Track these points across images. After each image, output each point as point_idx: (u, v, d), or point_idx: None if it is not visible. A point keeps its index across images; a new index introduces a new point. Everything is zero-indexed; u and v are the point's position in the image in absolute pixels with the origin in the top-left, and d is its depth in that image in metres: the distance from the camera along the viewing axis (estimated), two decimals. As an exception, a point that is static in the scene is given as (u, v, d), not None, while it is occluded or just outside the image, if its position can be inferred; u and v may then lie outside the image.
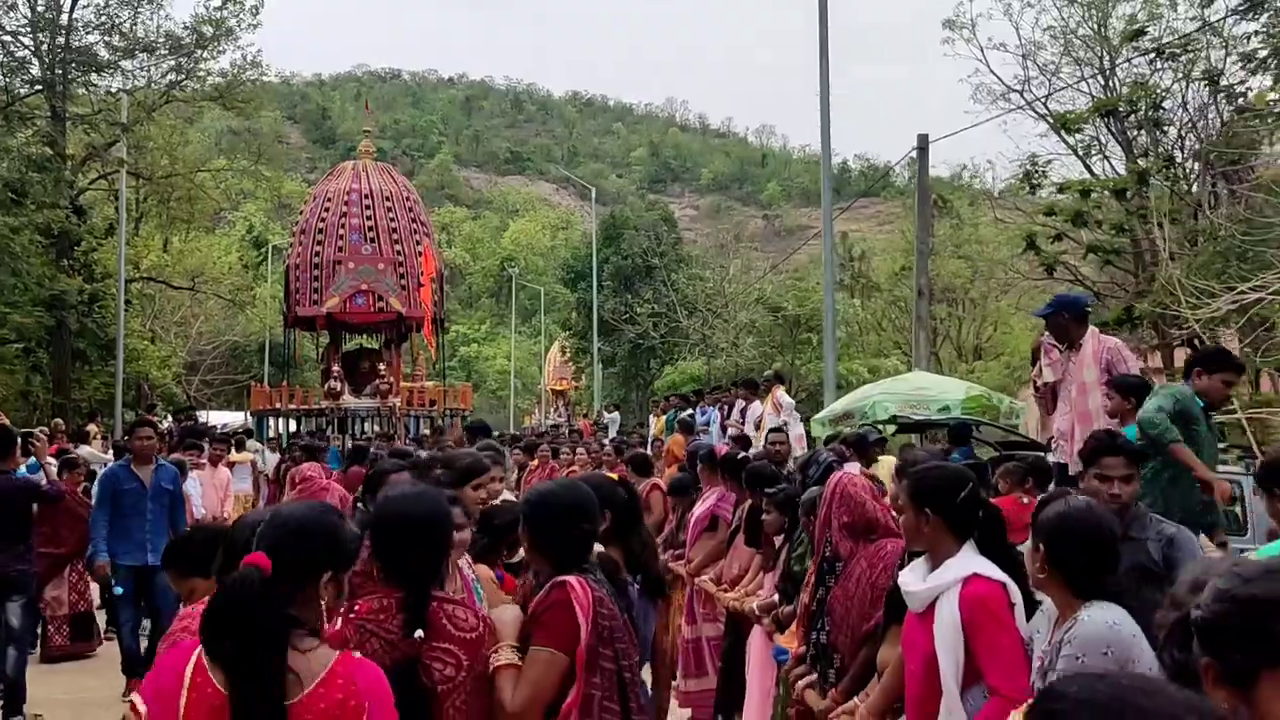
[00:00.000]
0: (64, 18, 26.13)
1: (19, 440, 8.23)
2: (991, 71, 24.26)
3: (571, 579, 2.86)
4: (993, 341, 34.51)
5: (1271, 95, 15.44)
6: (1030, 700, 1.35)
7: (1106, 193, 19.15)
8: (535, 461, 11.87)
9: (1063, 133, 21.15)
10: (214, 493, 10.44)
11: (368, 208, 29.70)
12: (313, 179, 56.18)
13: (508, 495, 4.70)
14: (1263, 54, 17.27)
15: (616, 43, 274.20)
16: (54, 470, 8.83)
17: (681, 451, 10.71)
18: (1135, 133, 20.42)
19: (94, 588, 9.31)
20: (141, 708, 2.15)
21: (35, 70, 25.81)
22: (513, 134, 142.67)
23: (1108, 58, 22.09)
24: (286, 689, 2.06)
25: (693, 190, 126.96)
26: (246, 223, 57.50)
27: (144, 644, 7.81)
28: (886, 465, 7.75)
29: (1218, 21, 18.43)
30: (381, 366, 29.49)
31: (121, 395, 24.75)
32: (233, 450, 13.00)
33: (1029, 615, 2.99)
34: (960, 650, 2.94)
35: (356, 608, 2.66)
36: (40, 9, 25.83)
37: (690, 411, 14.91)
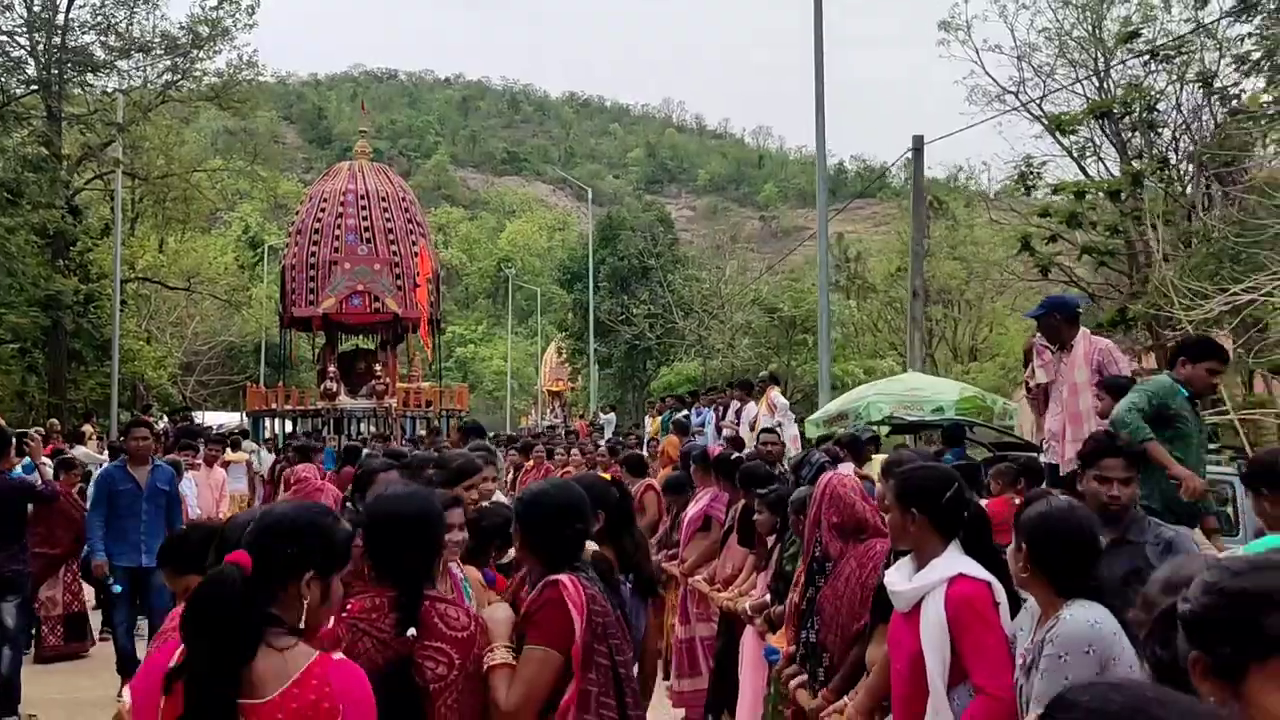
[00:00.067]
0: (60, 18, 26.12)
1: (14, 440, 8.24)
2: (987, 73, 24.37)
3: (563, 577, 2.89)
4: (988, 343, 34.57)
5: (1265, 97, 15.49)
6: (1043, 710, 1.34)
7: (1101, 194, 19.20)
8: (530, 462, 11.89)
9: (1057, 134, 21.21)
10: (209, 493, 10.44)
11: (364, 208, 29.71)
12: (309, 179, 56.09)
13: (500, 496, 4.72)
14: (1256, 56, 17.34)
15: (613, 43, 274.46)
16: (49, 471, 8.83)
17: (676, 452, 10.73)
18: (1130, 134, 20.48)
19: (88, 589, 9.31)
20: (127, 700, 2.17)
21: (31, 70, 25.80)
22: (509, 134, 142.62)
23: (1102, 60, 22.15)
24: (258, 687, 2.06)
25: (689, 191, 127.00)
26: (242, 223, 57.51)
27: (140, 645, 7.82)
28: (880, 465, 7.77)
29: (1212, 24, 18.50)
30: (377, 367, 29.51)
31: (117, 396, 24.74)
32: (228, 450, 13.01)
33: (1013, 615, 3.02)
34: (946, 649, 2.97)
35: (349, 607, 2.68)
36: (36, 9, 25.82)
37: (685, 412, 14.93)
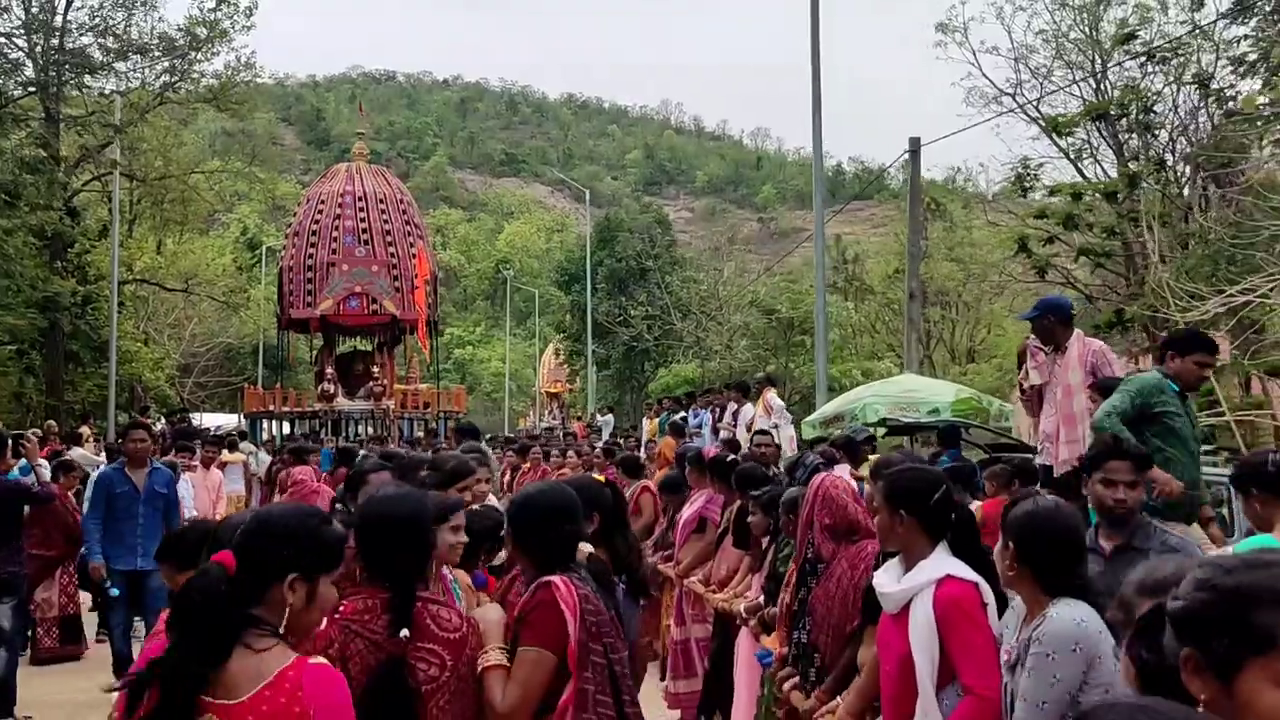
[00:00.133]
0: (58, 20, 26.14)
1: (10, 442, 8.24)
2: (984, 75, 24.31)
3: (556, 579, 2.91)
4: (986, 344, 34.57)
5: (1260, 99, 15.50)
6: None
7: (1098, 196, 19.22)
8: (527, 464, 11.92)
9: (1054, 136, 21.23)
10: (206, 494, 10.46)
11: (361, 210, 29.74)
12: (307, 181, 56.12)
13: (493, 499, 4.74)
14: (1252, 58, 17.36)
15: (612, 45, 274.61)
16: (45, 472, 8.84)
17: (673, 454, 10.74)
18: (1126, 136, 20.51)
19: (84, 592, 9.31)
20: (114, 696, 2.18)
21: (29, 72, 25.83)
22: (508, 136, 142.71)
23: (1099, 61, 22.17)
24: (232, 688, 2.06)
25: (688, 193, 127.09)
26: (240, 224, 57.47)
27: (135, 647, 7.81)
28: (869, 467, 7.78)
29: (1208, 25, 18.52)
30: (375, 369, 29.52)
31: (114, 397, 24.74)
32: (225, 452, 13.02)
33: (1000, 616, 3.03)
34: (935, 650, 2.99)
35: (341, 608, 2.68)
36: (34, 11, 25.83)
37: (682, 414, 14.95)
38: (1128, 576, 1.93)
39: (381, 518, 2.83)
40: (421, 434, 25.49)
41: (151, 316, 35.55)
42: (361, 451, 10.32)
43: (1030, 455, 7.45)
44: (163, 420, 24.78)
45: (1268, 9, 17.34)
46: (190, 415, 28.32)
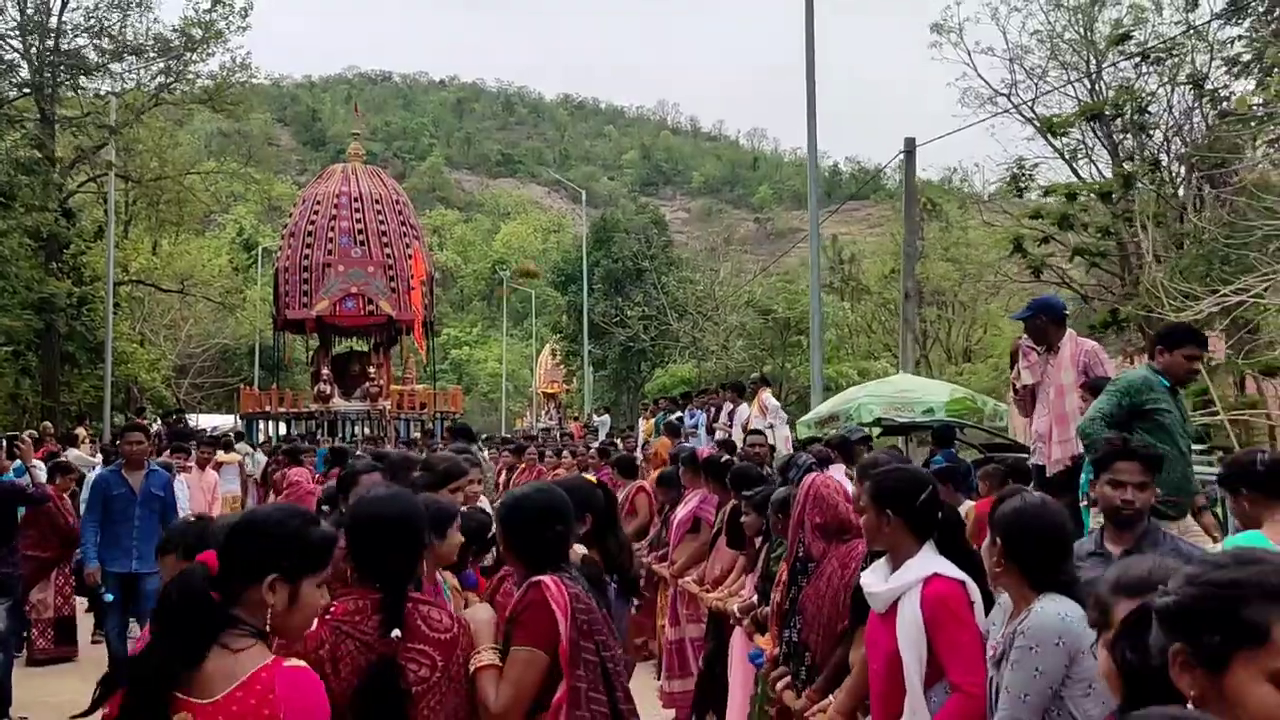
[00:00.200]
0: (53, 21, 26.10)
1: (4, 444, 8.25)
2: (979, 75, 24.37)
3: (546, 578, 2.92)
4: (982, 344, 34.62)
5: (1254, 99, 15.55)
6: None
7: (1092, 196, 19.26)
8: (523, 464, 11.95)
9: (1049, 136, 21.27)
10: (201, 495, 10.45)
11: (357, 211, 29.76)
12: (303, 181, 56.11)
13: (483, 501, 4.75)
14: (1246, 58, 17.41)
15: (608, 45, 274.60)
16: (40, 474, 8.83)
17: (668, 454, 10.76)
18: (1121, 136, 20.56)
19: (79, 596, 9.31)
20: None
21: (24, 73, 25.79)
22: (504, 136, 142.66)
23: (1094, 62, 22.23)
24: (207, 687, 2.07)
25: (684, 193, 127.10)
26: (236, 225, 57.41)
27: (131, 648, 7.82)
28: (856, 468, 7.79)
29: (1202, 26, 18.56)
30: (371, 370, 29.53)
31: (110, 398, 24.71)
32: (220, 452, 13.02)
33: (987, 614, 3.06)
34: (923, 648, 3.02)
35: (332, 609, 2.69)
36: (29, 12, 25.80)
37: (679, 414, 14.96)
38: (1102, 575, 1.94)
39: (372, 518, 2.83)
40: (418, 434, 25.50)
41: (147, 317, 35.49)
42: (357, 451, 10.36)
43: (1024, 455, 7.47)
44: (158, 421, 24.77)
45: (1261, 10, 17.39)
46: (186, 416, 28.28)
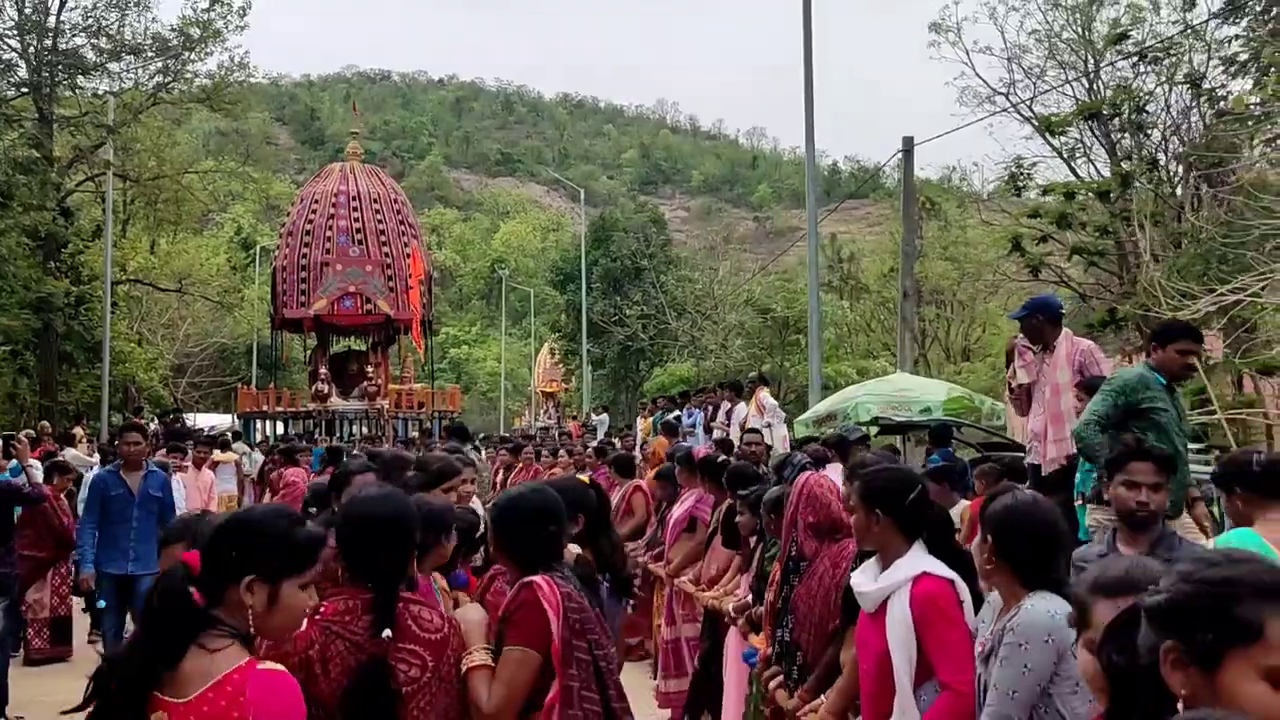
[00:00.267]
0: (51, 20, 26.11)
1: (1, 443, 8.24)
2: (977, 74, 24.42)
3: (538, 578, 2.93)
4: (981, 343, 34.66)
5: (1250, 98, 15.55)
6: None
7: (1090, 195, 19.26)
8: (520, 463, 11.96)
9: (1047, 135, 21.28)
10: (198, 494, 10.44)
11: (355, 210, 29.75)
12: (301, 180, 56.08)
13: (475, 501, 4.75)
14: (1243, 58, 17.41)
15: (607, 44, 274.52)
16: (36, 473, 8.83)
17: (665, 454, 10.77)
18: (1119, 135, 20.56)
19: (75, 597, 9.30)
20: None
21: (22, 73, 25.81)
22: (503, 135, 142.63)
23: (1092, 61, 22.26)
24: (182, 686, 2.07)
25: (683, 192, 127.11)
26: (235, 224, 57.40)
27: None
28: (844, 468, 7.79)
29: (1199, 25, 18.57)
30: (369, 369, 29.52)
31: (108, 398, 24.71)
32: (217, 452, 13.02)
33: (976, 613, 3.06)
34: (913, 648, 3.02)
35: (322, 609, 2.69)
36: (28, 12, 25.81)
37: (677, 413, 14.96)
38: (1080, 575, 1.94)
39: (363, 518, 2.83)
40: (416, 434, 25.47)
41: (145, 317, 35.50)
42: (354, 451, 10.36)
43: (1021, 454, 7.47)
44: (156, 421, 24.76)
45: (1258, 9, 17.39)
46: (184, 416, 28.30)
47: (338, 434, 27.26)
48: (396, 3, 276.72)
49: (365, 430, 26.91)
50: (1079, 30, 22.69)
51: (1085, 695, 2.52)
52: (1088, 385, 5.76)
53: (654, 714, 6.69)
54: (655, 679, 7.08)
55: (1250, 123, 15.23)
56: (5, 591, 7.16)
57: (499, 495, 3.34)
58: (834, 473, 5.42)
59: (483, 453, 14.24)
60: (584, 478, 6.72)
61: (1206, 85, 18.52)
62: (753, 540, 5.47)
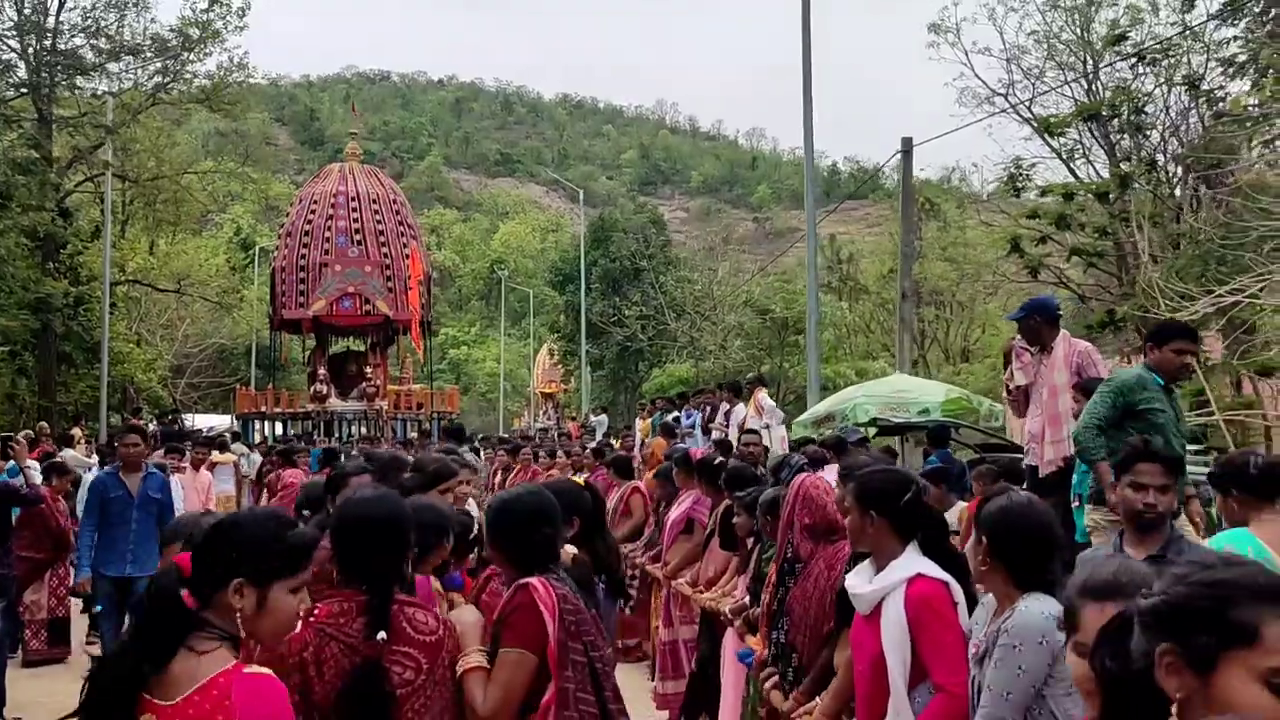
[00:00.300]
0: (50, 21, 26.10)
1: (-1, 444, 8.24)
2: (976, 75, 24.48)
3: (534, 580, 2.93)
4: (980, 344, 34.66)
5: (1249, 100, 15.55)
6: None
7: (1089, 196, 19.28)
8: (518, 465, 11.95)
9: (1046, 136, 21.30)
10: (195, 496, 10.43)
11: (354, 210, 29.75)
12: (301, 181, 56.08)
13: (470, 503, 4.76)
14: (1241, 59, 17.41)
15: (607, 45, 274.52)
16: (34, 474, 8.82)
17: (663, 455, 10.76)
18: (1118, 136, 20.58)
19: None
20: None
21: (21, 73, 25.80)
22: (503, 136, 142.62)
23: (1090, 62, 22.28)
24: (170, 688, 2.07)
25: (683, 192, 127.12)
26: (234, 225, 57.39)
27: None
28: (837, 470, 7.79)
29: (1198, 26, 18.59)
30: (368, 370, 29.52)
31: (107, 398, 24.69)
32: (215, 452, 13.01)
33: (970, 615, 3.06)
34: (907, 650, 3.02)
35: (317, 611, 2.69)
36: (26, 12, 25.80)
37: (676, 414, 14.94)
38: (1070, 579, 1.94)
39: (358, 520, 2.83)
40: (415, 435, 25.46)
41: (144, 317, 35.48)
42: (353, 452, 10.35)
43: (1020, 456, 7.47)
44: (154, 421, 24.76)
45: (1257, 10, 17.40)
46: (182, 416, 28.28)
47: (336, 435, 27.26)
48: (396, 3, 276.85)
49: (364, 431, 26.90)
50: (1078, 31, 22.73)
51: (1079, 697, 2.52)
52: (1085, 387, 5.76)
53: (651, 716, 6.68)
54: (653, 680, 7.07)
55: (1249, 124, 15.22)
56: (3, 593, 7.16)
57: (494, 497, 3.33)
58: (831, 474, 5.41)
59: (481, 454, 14.23)
60: (579, 479, 6.72)
61: (1205, 87, 18.53)
62: (750, 541, 5.47)
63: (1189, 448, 6.80)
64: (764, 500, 4.75)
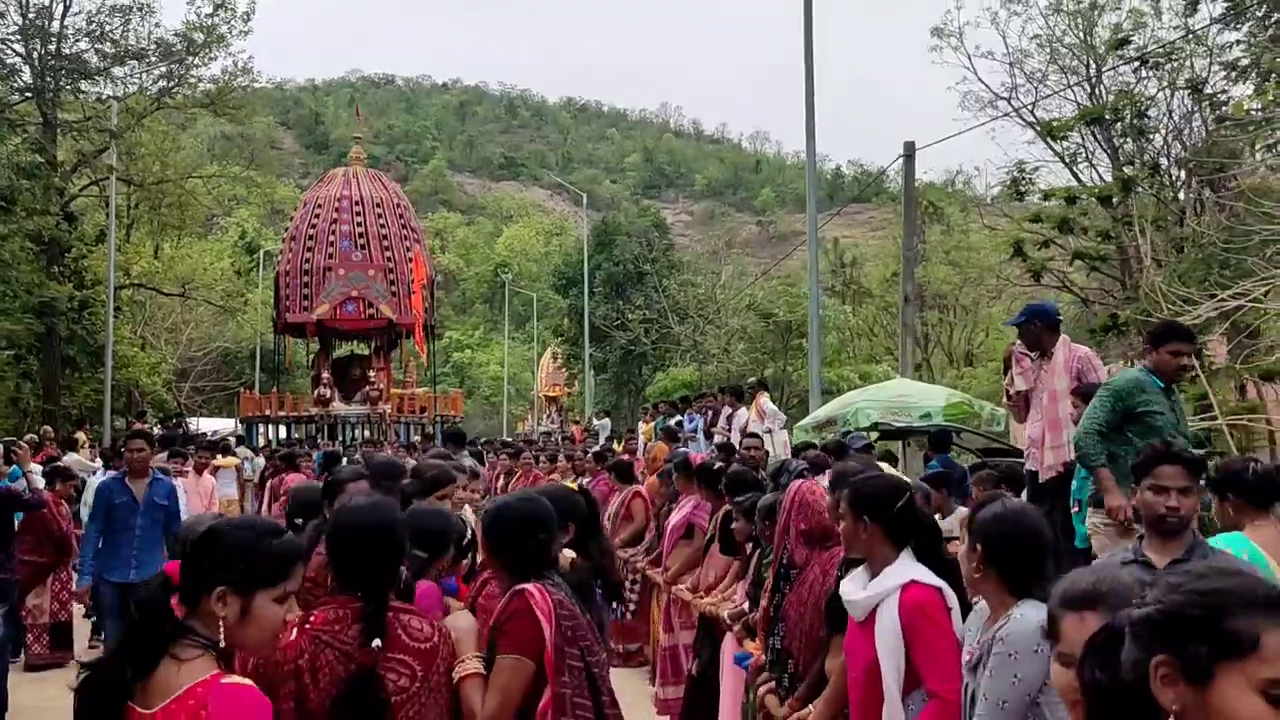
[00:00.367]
0: (55, 25, 26.20)
1: (1, 449, 8.25)
2: (979, 79, 24.46)
3: (530, 586, 2.94)
4: (984, 348, 34.63)
5: (1252, 104, 15.52)
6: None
7: (1092, 200, 19.25)
8: (519, 469, 11.97)
9: (1049, 140, 21.28)
10: (198, 500, 10.44)
11: (358, 214, 29.83)
12: (306, 184, 56.17)
13: (466, 509, 4.77)
14: (1244, 63, 17.39)
15: (611, 48, 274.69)
16: (36, 479, 8.84)
17: (664, 460, 10.75)
18: (1121, 140, 20.54)
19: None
20: None
21: (26, 77, 25.91)
22: (507, 139, 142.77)
23: (1093, 66, 22.25)
24: (151, 696, 2.07)
25: (687, 196, 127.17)
26: (239, 228, 57.50)
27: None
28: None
29: (1201, 30, 18.57)
30: (371, 373, 29.57)
31: (111, 402, 24.74)
32: (218, 456, 13.03)
33: (964, 621, 3.06)
34: (901, 656, 3.02)
35: (312, 618, 2.70)
36: (31, 17, 25.89)
37: (678, 418, 14.96)
38: (1051, 588, 1.93)
39: (353, 527, 2.83)
40: (418, 438, 25.49)
41: (148, 321, 35.55)
42: (356, 456, 10.36)
43: (1022, 460, 7.47)
44: (159, 425, 24.80)
45: (1260, 14, 17.38)
46: (187, 420, 28.33)
47: (340, 438, 27.30)
48: (400, 7, 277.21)
49: (367, 434, 26.95)
50: (1081, 35, 22.70)
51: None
52: (1085, 392, 5.76)
53: (652, 720, 6.69)
54: (654, 686, 7.07)
55: (1252, 128, 15.20)
56: (5, 597, 7.15)
57: (490, 503, 3.34)
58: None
59: (484, 458, 14.25)
60: (572, 484, 6.72)
61: (1208, 90, 18.49)
62: (749, 547, 5.47)
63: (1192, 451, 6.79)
64: (762, 505, 4.76)
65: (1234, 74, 17.74)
